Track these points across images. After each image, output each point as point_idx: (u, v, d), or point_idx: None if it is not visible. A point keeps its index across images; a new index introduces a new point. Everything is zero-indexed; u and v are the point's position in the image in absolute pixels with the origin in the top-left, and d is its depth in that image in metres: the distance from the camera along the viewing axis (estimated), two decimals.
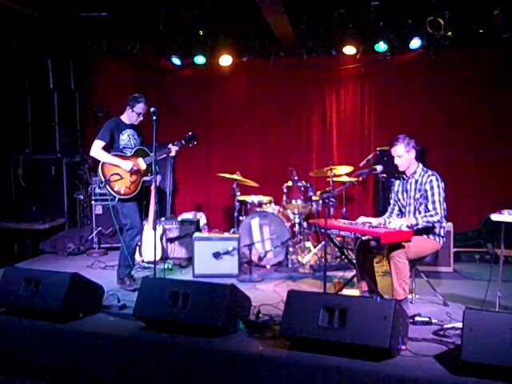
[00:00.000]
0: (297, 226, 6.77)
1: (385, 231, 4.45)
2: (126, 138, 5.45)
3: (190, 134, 5.74)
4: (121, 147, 5.41)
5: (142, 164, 5.44)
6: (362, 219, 4.91)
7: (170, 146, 5.61)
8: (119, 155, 5.37)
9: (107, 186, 5.26)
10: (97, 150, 5.31)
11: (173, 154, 5.63)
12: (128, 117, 5.49)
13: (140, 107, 5.42)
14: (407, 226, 4.55)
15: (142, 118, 5.50)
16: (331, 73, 7.71)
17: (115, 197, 5.32)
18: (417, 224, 4.62)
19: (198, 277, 5.92)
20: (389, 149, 4.94)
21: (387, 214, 5.09)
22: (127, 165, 5.31)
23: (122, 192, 5.32)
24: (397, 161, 4.87)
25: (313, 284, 5.72)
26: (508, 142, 7.01)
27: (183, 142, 5.70)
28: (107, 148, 5.35)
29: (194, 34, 7.29)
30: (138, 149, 5.49)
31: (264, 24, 6.51)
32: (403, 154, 4.82)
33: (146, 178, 5.52)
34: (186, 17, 7.05)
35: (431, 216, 4.66)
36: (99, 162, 5.33)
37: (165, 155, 5.61)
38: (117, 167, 5.31)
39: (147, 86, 7.89)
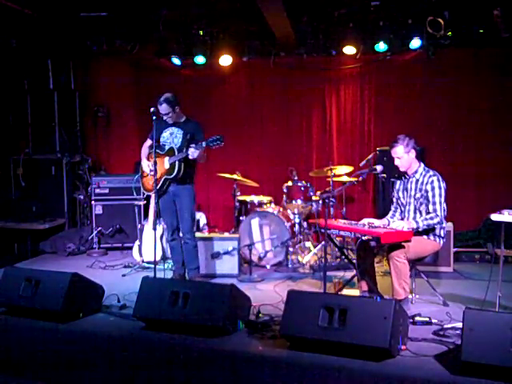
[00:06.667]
0: (297, 225, 6.76)
1: (385, 231, 4.46)
2: (168, 135, 5.54)
3: (216, 136, 5.29)
4: (161, 144, 5.55)
5: (165, 163, 5.47)
6: (365, 220, 4.91)
7: (190, 148, 5.29)
8: (150, 153, 5.57)
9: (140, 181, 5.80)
10: (143, 146, 5.77)
11: (191, 157, 5.30)
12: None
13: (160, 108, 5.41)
14: (408, 229, 4.56)
15: (166, 118, 5.45)
16: (331, 73, 7.70)
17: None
18: (417, 227, 4.62)
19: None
20: (389, 150, 4.94)
21: (390, 213, 5.10)
22: (144, 165, 5.68)
23: (145, 188, 5.76)
24: (397, 162, 4.86)
25: (313, 284, 5.72)
26: (508, 142, 6.99)
27: (203, 144, 5.27)
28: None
29: (194, 34, 7.28)
30: (170, 148, 5.48)
31: (264, 24, 6.51)
32: (403, 156, 4.81)
33: (168, 177, 5.47)
34: (186, 17, 7.04)
35: (431, 219, 4.66)
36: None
37: (183, 156, 5.38)
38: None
39: (147, 86, 7.91)
